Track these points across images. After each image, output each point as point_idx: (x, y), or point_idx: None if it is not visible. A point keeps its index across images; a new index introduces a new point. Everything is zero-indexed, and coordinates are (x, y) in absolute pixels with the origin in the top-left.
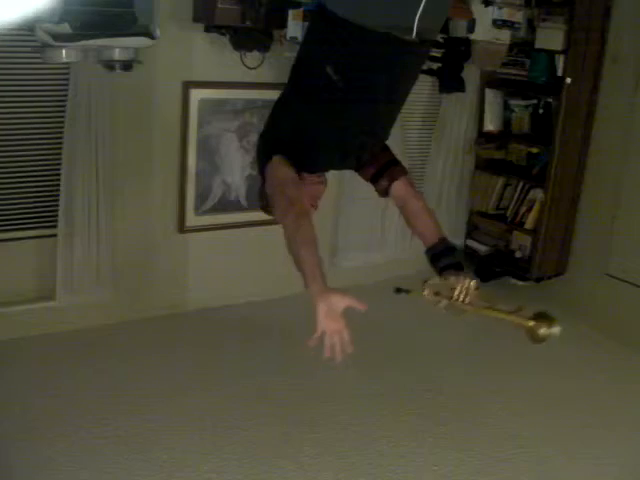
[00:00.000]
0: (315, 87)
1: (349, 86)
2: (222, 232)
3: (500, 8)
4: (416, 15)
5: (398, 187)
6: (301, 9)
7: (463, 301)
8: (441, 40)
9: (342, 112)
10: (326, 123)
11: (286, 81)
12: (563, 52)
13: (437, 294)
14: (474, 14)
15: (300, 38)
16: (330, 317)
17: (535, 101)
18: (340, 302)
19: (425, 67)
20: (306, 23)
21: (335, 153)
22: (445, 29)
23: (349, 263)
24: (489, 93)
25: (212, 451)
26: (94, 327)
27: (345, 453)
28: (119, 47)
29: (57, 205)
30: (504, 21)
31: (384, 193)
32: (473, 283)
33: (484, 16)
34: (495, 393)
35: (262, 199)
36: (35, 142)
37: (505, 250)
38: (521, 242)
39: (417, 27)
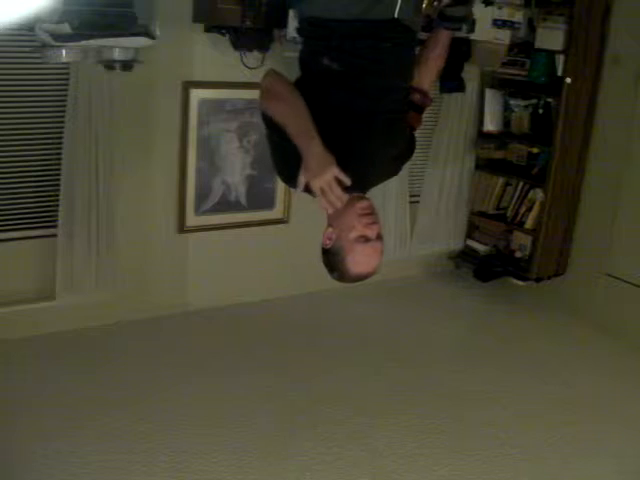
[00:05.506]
0: (320, 75)
1: (348, 69)
2: (222, 232)
3: (500, 8)
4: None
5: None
6: None
7: None
8: None
9: (350, 86)
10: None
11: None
12: (563, 52)
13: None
14: (474, 14)
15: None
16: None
17: (535, 101)
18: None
19: None
20: None
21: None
22: None
23: None
24: (489, 93)
25: (212, 451)
26: (94, 327)
27: (345, 453)
28: (119, 47)
29: (57, 205)
30: (504, 21)
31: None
32: None
33: (484, 16)
34: (495, 393)
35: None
36: (35, 142)
37: (505, 250)
38: (521, 242)
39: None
